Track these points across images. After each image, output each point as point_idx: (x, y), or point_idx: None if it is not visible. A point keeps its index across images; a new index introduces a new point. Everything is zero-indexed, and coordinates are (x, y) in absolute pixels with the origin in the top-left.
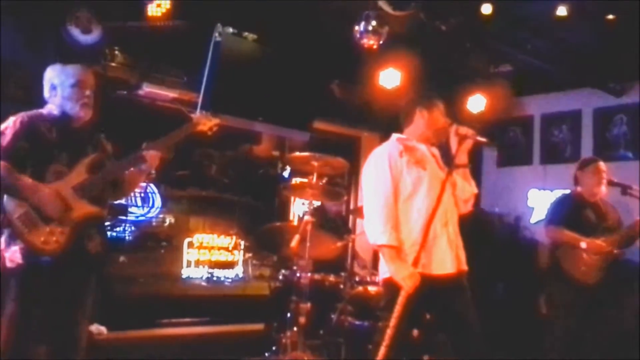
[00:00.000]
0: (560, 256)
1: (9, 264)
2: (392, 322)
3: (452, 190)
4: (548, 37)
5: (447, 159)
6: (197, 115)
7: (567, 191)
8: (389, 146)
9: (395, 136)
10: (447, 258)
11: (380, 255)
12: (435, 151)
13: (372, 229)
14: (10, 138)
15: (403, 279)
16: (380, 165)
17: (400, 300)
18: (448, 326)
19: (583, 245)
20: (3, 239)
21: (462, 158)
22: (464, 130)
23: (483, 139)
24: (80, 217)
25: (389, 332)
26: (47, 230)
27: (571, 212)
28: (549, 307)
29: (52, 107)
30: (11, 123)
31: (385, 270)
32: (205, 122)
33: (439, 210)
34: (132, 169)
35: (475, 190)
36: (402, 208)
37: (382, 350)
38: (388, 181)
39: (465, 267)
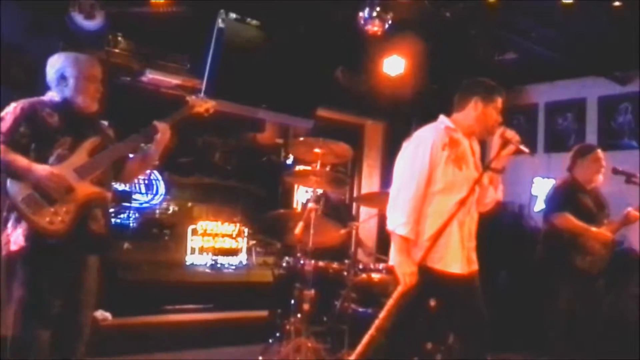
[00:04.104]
0: (565, 244)
1: (13, 247)
2: (382, 313)
3: (479, 192)
4: (553, 25)
5: (483, 158)
6: (192, 97)
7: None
8: (435, 133)
9: (443, 122)
10: (458, 258)
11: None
12: (476, 147)
13: (394, 215)
14: (10, 123)
15: (403, 274)
16: (422, 153)
17: (395, 294)
18: (455, 323)
19: (592, 233)
20: (10, 223)
21: (500, 163)
22: (510, 134)
23: (525, 149)
24: (84, 197)
25: (376, 322)
26: (52, 211)
27: (571, 199)
28: (551, 296)
29: (53, 94)
30: (12, 109)
31: None
32: (201, 104)
33: (460, 211)
34: (138, 156)
35: (499, 197)
36: (427, 201)
37: (365, 339)
38: (425, 171)
39: (476, 267)
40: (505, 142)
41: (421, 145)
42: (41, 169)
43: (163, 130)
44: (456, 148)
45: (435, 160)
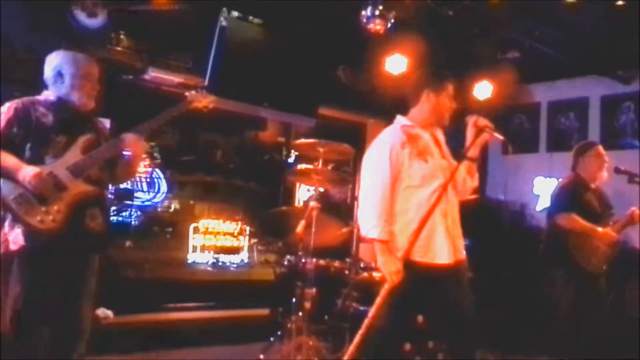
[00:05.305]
0: (570, 245)
1: (12, 247)
2: (371, 312)
3: (454, 182)
4: (556, 24)
5: (456, 147)
6: (191, 92)
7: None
8: (392, 135)
9: (399, 122)
10: (444, 248)
11: None
12: (440, 136)
13: (365, 220)
14: (4, 125)
15: (389, 273)
16: (382, 156)
17: (383, 292)
18: (443, 314)
19: (598, 234)
20: (7, 222)
21: (475, 151)
22: (483, 122)
23: (500, 136)
24: (76, 195)
25: (366, 322)
26: (43, 210)
27: (577, 199)
28: (553, 295)
29: (48, 94)
30: (5, 109)
31: None
32: (201, 100)
33: (441, 201)
34: (124, 160)
35: (475, 185)
36: (402, 198)
37: (356, 339)
38: (387, 173)
39: (463, 256)
40: (479, 130)
41: (381, 149)
42: (28, 169)
43: (132, 143)
44: (416, 143)
45: (397, 161)
